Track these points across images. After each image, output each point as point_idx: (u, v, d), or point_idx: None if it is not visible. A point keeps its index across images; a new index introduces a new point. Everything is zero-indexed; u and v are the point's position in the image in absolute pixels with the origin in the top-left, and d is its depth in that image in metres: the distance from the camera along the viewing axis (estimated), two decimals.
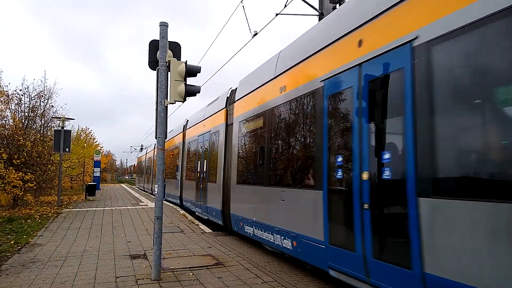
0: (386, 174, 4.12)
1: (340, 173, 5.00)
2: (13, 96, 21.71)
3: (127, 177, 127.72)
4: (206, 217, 11.66)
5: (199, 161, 13.01)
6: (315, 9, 10.19)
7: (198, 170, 12.81)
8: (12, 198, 15.56)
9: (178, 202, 16.65)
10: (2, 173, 14.34)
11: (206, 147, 12.22)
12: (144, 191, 33.38)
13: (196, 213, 13.15)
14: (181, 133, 16.91)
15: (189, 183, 14.55)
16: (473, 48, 3.31)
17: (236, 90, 9.91)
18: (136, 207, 17.10)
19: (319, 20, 9.91)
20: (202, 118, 13.18)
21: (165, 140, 20.14)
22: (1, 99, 23.30)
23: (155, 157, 23.31)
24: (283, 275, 6.06)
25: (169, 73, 6.07)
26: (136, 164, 63.38)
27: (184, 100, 6.14)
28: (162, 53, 6.00)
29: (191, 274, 6.01)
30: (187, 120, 16.76)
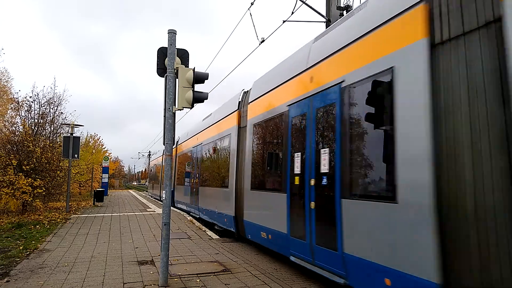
0: None
1: None
2: (23, 103, 22.00)
3: (135, 183, 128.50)
4: (342, 282, 5.17)
5: (299, 154, 6.48)
6: (322, 15, 10.22)
7: (298, 171, 6.41)
8: (21, 203, 15.70)
9: (230, 224, 10.05)
10: (11, 179, 14.50)
11: (326, 121, 5.80)
12: (159, 200, 27.76)
13: (292, 258, 6.54)
14: (235, 113, 10.53)
15: (262, 196, 8.01)
16: None
17: None
18: (143, 213, 17.15)
19: (326, 27, 9.94)
20: (304, 67, 6.70)
21: (200, 131, 14.72)
22: (12, 106, 23.68)
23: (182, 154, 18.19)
24: (291, 282, 6.02)
25: (177, 80, 6.12)
26: (148, 169, 55.58)
27: (192, 106, 6.18)
28: (170, 60, 6.05)
29: (198, 280, 6.00)
30: (245, 92, 10.50)
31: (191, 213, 15.70)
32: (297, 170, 6.50)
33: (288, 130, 6.96)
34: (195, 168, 15.08)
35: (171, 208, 17.16)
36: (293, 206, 6.53)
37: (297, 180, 6.46)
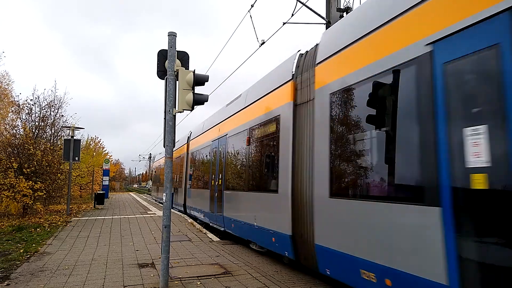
0: None
1: None
2: (24, 106, 22.02)
3: (136, 186, 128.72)
4: None
5: (485, 129, 3.25)
6: (322, 17, 10.23)
7: (488, 162, 3.18)
8: (22, 206, 15.70)
9: (283, 246, 6.89)
10: (12, 182, 14.50)
11: None
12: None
13: None
14: (287, 86, 7.49)
15: (362, 209, 4.78)
16: None
17: None
18: (144, 215, 17.13)
19: (327, 28, 9.95)
20: None
21: (223, 119, 11.67)
22: (12, 109, 23.70)
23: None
24: (292, 284, 6.00)
25: (177, 82, 6.12)
26: (152, 170, 45.92)
27: (192, 108, 6.18)
28: (170, 62, 6.05)
29: (198, 283, 5.98)
30: (301, 54, 7.51)
31: (211, 224, 12.30)
32: (481, 159, 3.25)
33: (434, 85, 3.75)
34: (216, 167, 11.85)
35: (182, 215, 16.87)
36: (466, 234, 3.36)
37: (480, 181, 3.25)
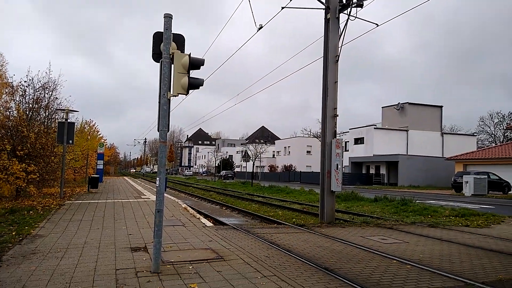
0: None
1: None
2: (18, 87, 21.74)
3: (133, 171, 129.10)
4: None
5: None
6: (322, 2, 10.10)
7: None
8: (15, 189, 15.64)
9: None
10: (5, 164, 14.40)
11: None
12: None
13: None
14: None
15: None
16: None
17: None
18: (138, 200, 17.13)
19: (325, 14, 9.83)
20: None
21: None
22: (6, 90, 23.41)
23: None
24: (283, 269, 6.03)
25: (172, 65, 6.02)
26: None
27: (187, 93, 6.10)
28: (166, 45, 5.94)
29: (190, 267, 5.99)
30: None
31: None
32: None
33: None
34: None
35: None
36: None
37: None
